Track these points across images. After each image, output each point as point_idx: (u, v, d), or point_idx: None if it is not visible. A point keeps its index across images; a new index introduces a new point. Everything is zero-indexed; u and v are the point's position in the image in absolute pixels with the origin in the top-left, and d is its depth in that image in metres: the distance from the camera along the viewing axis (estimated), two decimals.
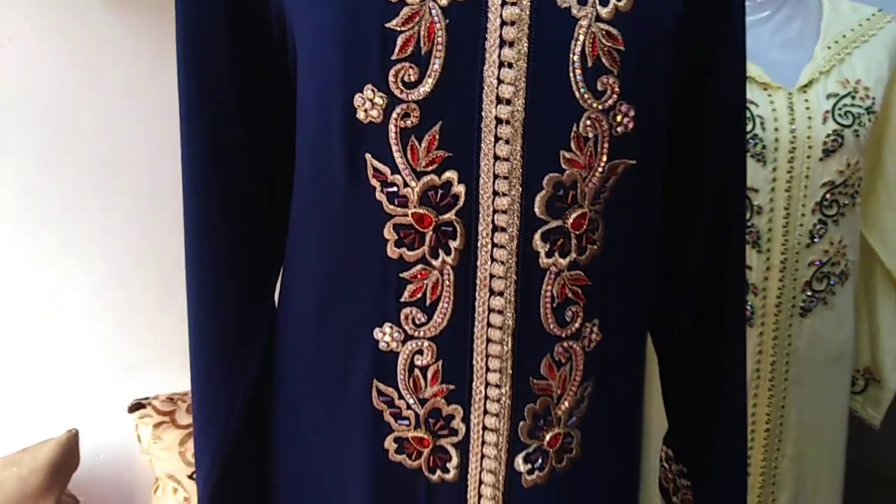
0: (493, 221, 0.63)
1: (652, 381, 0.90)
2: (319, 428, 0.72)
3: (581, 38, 0.61)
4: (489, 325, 0.64)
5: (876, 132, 1.19)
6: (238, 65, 0.68)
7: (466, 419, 0.66)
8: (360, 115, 0.61)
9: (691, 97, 0.72)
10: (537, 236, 0.63)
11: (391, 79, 0.60)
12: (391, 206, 0.63)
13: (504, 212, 0.63)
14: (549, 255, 0.64)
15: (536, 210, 0.63)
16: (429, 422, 0.66)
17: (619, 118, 0.63)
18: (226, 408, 0.73)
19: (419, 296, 0.64)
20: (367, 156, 0.62)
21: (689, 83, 0.71)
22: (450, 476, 0.67)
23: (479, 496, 0.68)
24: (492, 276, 0.64)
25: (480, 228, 0.63)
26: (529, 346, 0.66)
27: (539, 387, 0.66)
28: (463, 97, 0.61)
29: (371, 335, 0.66)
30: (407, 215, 0.63)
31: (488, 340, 0.65)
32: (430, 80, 0.60)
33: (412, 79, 0.60)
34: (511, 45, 0.61)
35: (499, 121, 0.61)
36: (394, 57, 0.60)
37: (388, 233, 0.63)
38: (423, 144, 0.61)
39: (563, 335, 0.66)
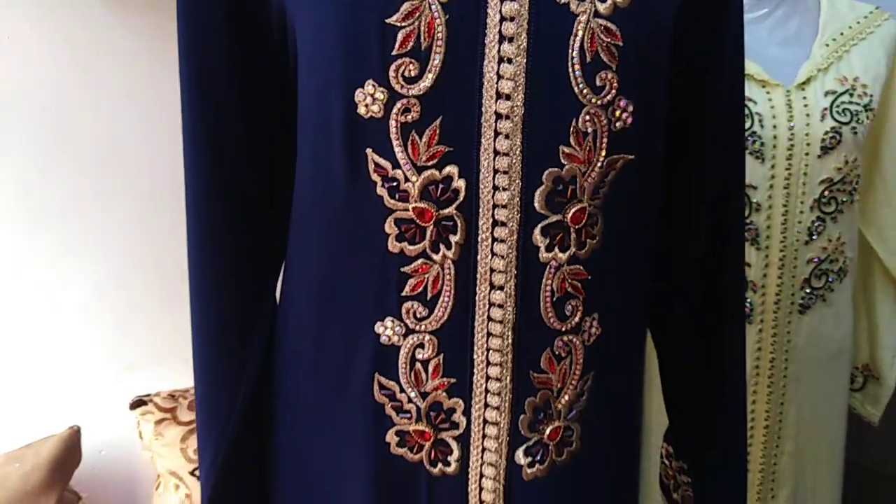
0: (493, 216, 0.63)
1: (652, 379, 0.90)
2: (319, 428, 0.73)
3: (580, 33, 0.62)
4: (490, 318, 0.65)
5: (874, 129, 1.20)
6: (238, 65, 0.69)
7: (467, 412, 0.67)
8: (361, 110, 0.62)
9: (690, 96, 0.73)
10: (537, 231, 0.64)
11: (392, 74, 0.61)
12: (392, 201, 0.63)
13: (504, 206, 0.63)
14: (548, 249, 0.64)
15: (536, 205, 0.63)
16: (430, 415, 0.67)
17: (617, 113, 0.63)
18: (226, 406, 0.74)
19: (420, 290, 0.65)
20: (368, 151, 0.63)
21: (688, 81, 0.72)
22: (451, 469, 0.68)
23: (480, 489, 0.68)
24: (492, 270, 0.64)
25: (481, 223, 0.63)
26: (530, 339, 0.66)
27: (539, 380, 0.67)
28: (463, 92, 0.62)
29: (372, 329, 0.66)
30: (408, 210, 0.63)
31: (489, 334, 0.65)
32: (430, 76, 0.61)
33: (412, 74, 0.61)
34: (510, 40, 0.61)
35: (498, 116, 0.62)
36: (394, 52, 0.60)
37: (390, 227, 0.64)
38: (424, 139, 0.62)
39: (563, 329, 0.67)
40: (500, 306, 0.65)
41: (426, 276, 0.64)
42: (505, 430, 0.67)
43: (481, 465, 0.68)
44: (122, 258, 1.41)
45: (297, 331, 0.73)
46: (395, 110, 0.61)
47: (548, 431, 0.68)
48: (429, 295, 0.65)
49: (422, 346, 0.66)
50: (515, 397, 0.66)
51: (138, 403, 1.39)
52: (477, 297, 0.65)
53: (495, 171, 0.63)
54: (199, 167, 0.70)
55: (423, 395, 0.66)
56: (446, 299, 0.64)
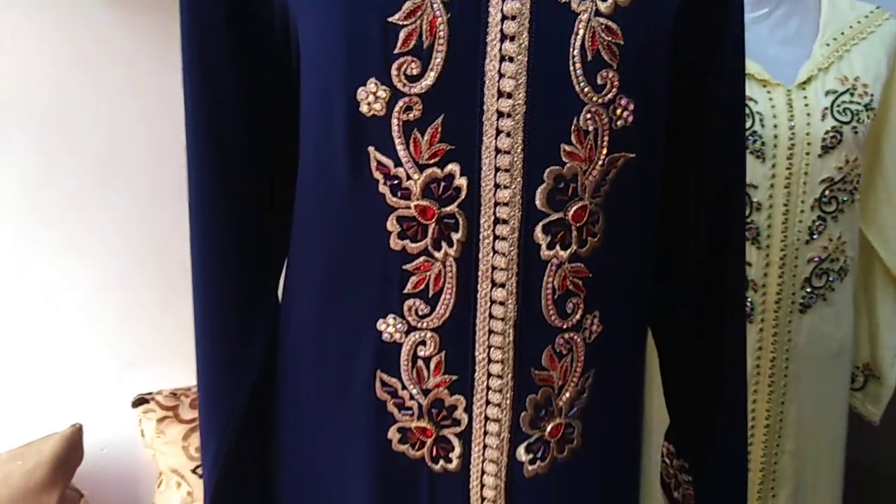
0: (494, 214, 0.64)
1: (653, 377, 0.90)
2: (321, 425, 0.73)
3: (581, 32, 0.62)
4: (491, 316, 0.65)
5: (875, 129, 1.20)
6: (240, 65, 0.69)
7: (469, 409, 0.67)
8: (364, 108, 0.62)
9: (690, 96, 0.73)
10: (538, 228, 0.64)
11: (394, 72, 0.61)
12: (394, 199, 0.63)
13: (505, 204, 0.63)
14: (550, 247, 0.65)
15: (537, 202, 0.64)
16: (432, 412, 0.67)
17: (618, 112, 0.64)
18: (228, 404, 0.74)
19: (422, 287, 0.65)
20: (371, 149, 0.63)
21: (688, 81, 0.72)
22: (452, 466, 0.68)
23: (482, 486, 0.68)
24: (493, 267, 0.64)
25: (482, 221, 0.64)
26: (531, 337, 0.66)
27: (540, 377, 0.67)
28: (465, 90, 0.62)
29: (374, 327, 0.67)
30: (410, 208, 0.63)
31: (490, 331, 0.65)
32: (432, 74, 0.61)
33: (414, 72, 0.61)
34: (512, 39, 0.62)
35: (500, 114, 0.62)
36: (396, 51, 0.61)
37: (392, 225, 0.64)
38: (426, 137, 0.62)
39: (564, 327, 0.67)
40: (502, 304, 0.65)
41: (428, 273, 0.65)
42: (506, 427, 0.67)
43: (483, 462, 0.68)
44: (124, 257, 1.41)
45: (299, 329, 0.74)
46: (397, 108, 0.61)
47: (549, 428, 0.68)
48: (430, 292, 0.65)
49: (423, 343, 0.66)
50: (517, 394, 0.67)
51: (140, 401, 1.39)
52: (478, 295, 0.65)
53: (497, 169, 0.63)
54: (201, 167, 0.70)
55: (425, 392, 0.67)
56: (448, 297, 0.65)
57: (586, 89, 0.62)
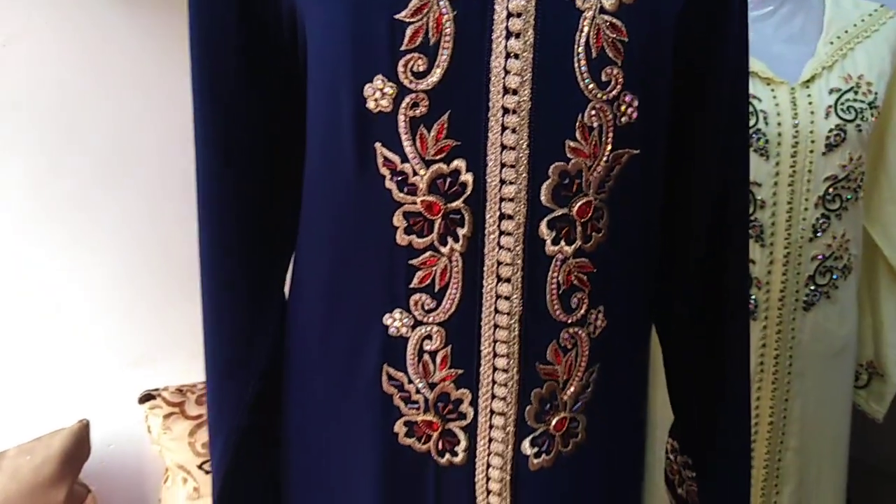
0: (500, 209, 0.64)
1: (658, 373, 0.90)
2: (328, 420, 0.73)
3: (585, 29, 0.62)
4: (496, 310, 0.66)
5: (878, 127, 1.20)
6: (248, 65, 0.69)
7: (474, 403, 0.67)
8: (370, 104, 0.62)
9: (691, 95, 0.73)
10: (543, 224, 0.65)
11: (400, 69, 0.61)
12: (400, 195, 0.64)
13: (511, 200, 0.64)
14: (554, 242, 0.65)
15: (542, 198, 0.64)
16: (438, 405, 0.67)
17: (623, 108, 0.64)
18: (236, 400, 0.75)
19: (428, 282, 0.65)
20: (377, 145, 0.63)
21: (689, 81, 0.72)
22: (458, 459, 0.69)
23: (487, 479, 0.69)
24: (499, 262, 0.65)
25: (488, 216, 0.64)
26: (536, 331, 0.67)
27: (545, 372, 0.68)
28: (470, 87, 0.62)
29: (380, 321, 0.67)
30: (416, 203, 0.64)
31: (496, 326, 0.66)
32: (438, 70, 0.62)
33: (421, 69, 0.61)
34: (517, 36, 0.62)
35: (506, 110, 0.63)
36: (403, 47, 0.61)
37: (398, 220, 0.64)
38: (432, 133, 0.62)
39: (569, 321, 0.67)
40: (507, 298, 0.65)
41: (434, 268, 0.65)
42: (511, 421, 0.68)
43: (488, 455, 0.68)
44: (132, 253, 1.42)
45: (305, 324, 0.74)
46: (403, 105, 0.62)
47: (554, 422, 0.69)
48: (436, 287, 0.65)
49: (430, 337, 0.66)
50: (522, 388, 0.67)
51: (147, 398, 1.40)
52: (484, 290, 0.65)
53: (502, 165, 0.63)
54: (209, 166, 0.71)
55: (431, 386, 0.67)
56: (454, 291, 0.65)
57: (591, 86, 0.63)
